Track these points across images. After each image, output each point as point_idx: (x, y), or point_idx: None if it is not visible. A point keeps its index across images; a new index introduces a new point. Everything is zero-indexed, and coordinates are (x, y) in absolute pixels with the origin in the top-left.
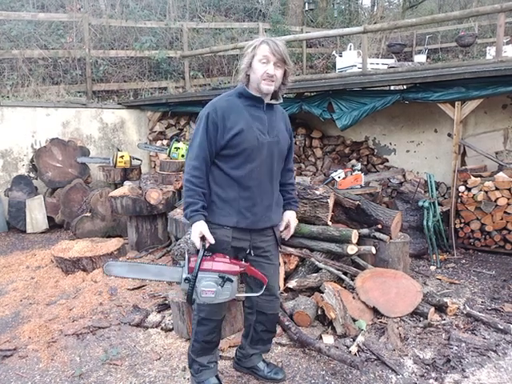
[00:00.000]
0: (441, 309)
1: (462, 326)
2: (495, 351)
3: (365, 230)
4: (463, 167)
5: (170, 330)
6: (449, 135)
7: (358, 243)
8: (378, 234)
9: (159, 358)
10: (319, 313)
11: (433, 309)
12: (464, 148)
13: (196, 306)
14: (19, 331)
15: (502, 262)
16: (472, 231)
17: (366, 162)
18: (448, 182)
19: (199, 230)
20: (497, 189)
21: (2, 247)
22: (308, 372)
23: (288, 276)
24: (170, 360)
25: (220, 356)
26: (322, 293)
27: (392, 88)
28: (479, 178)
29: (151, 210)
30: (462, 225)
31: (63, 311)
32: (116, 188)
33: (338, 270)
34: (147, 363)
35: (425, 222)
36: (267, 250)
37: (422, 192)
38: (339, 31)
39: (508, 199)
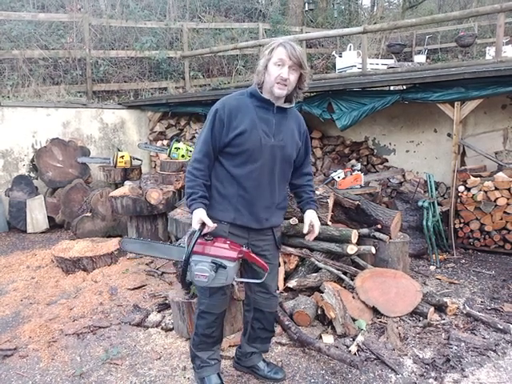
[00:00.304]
0: (440, 308)
1: (462, 326)
2: (495, 351)
3: (364, 230)
4: (463, 167)
5: (171, 329)
6: (448, 135)
7: (358, 243)
8: (377, 234)
9: (159, 358)
10: (319, 312)
11: (432, 308)
12: (463, 148)
13: (197, 299)
14: (20, 331)
15: (501, 261)
16: (471, 231)
17: (365, 162)
18: (447, 182)
19: (198, 216)
20: (496, 189)
21: (3, 247)
22: (308, 371)
23: (288, 276)
24: (171, 359)
25: (220, 355)
26: (322, 292)
27: (392, 88)
28: (479, 178)
29: (151, 209)
30: (461, 225)
31: (64, 311)
32: (116, 188)
33: (338, 269)
34: (147, 363)
35: (424, 222)
36: (265, 249)
37: (422, 192)
38: (339, 31)
39: (507, 199)
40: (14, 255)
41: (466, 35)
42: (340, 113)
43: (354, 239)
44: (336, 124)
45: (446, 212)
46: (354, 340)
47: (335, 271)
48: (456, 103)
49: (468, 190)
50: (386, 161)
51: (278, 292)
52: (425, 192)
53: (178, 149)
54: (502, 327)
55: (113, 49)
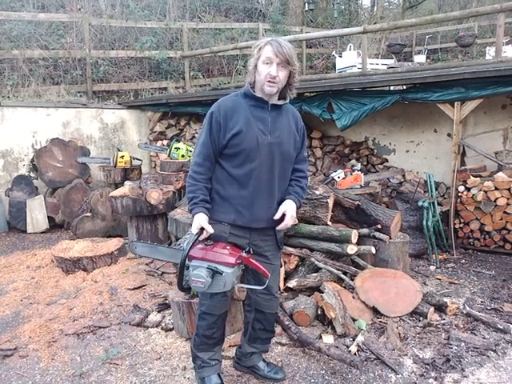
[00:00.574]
0: (440, 308)
1: (462, 326)
2: (495, 351)
3: (364, 230)
4: (463, 167)
5: (171, 329)
6: (448, 135)
7: (358, 243)
8: (377, 234)
9: (159, 358)
10: (319, 312)
11: (432, 308)
12: (463, 148)
13: (198, 300)
14: (20, 331)
15: (501, 261)
16: (471, 231)
17: (365, 162)
18: (447, 182)
19: (198, 221)
20: (496, 189)
21: (3, 247)
22: (308, 371)
23: (288, 276)
24: (171, 359)
25: (221, 356)
26: (322, 292)
27: (392, 88)
28: (479, 178)
29: (151, 209)
30: (461, 225)
31: (63, 311)
32: (116, 188)
33: (338, 269)
34: (147, 363)
35: (424, 222)
36: (267, 249)
37: (422, 192)
38: (339, 31)
39: (507, 199)
40: (14, 255)
41: (466, 35)
42: (340, 113)
43: (354, 239)
44: (336, 124)
45: (446, 212)
46: (353, 340)
47: (335, 271)
48: (456, 103)
49: (468, 189)
50: (386, 161)
51: (278, 293)
52: (425, 192)
53: (177, 149)
54: (502, 327)
55: (113, 49)
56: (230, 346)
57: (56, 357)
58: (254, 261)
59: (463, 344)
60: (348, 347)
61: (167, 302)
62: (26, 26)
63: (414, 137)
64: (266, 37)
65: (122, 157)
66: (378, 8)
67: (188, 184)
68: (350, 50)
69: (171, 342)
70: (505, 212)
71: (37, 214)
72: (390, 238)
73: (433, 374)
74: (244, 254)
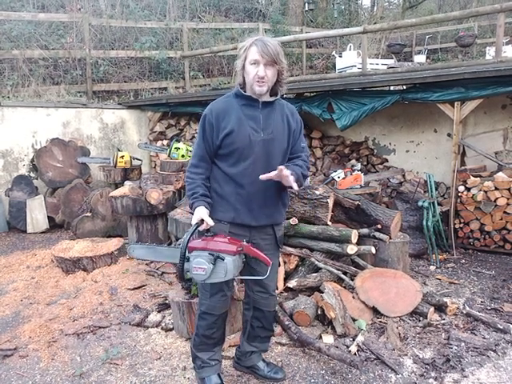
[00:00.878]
0: (440, 308)
1: (462, 326)
2: (495, 351)
3: (364, 230)
4: (463, 167)
5: (171, 329)
6: (448, 135)
7: (358, 243)
8: (377, 234)
9: (159, 358)
10: (319, 312)
11: (432, 308)
12: (463, 148)
13: (198, 300)
14: (20, 331)
15: (501, 261)
16: (471, 231)
17: (365, 162)
18: (447, 182)
19: (199, 214)
20: (496, 189)
21: (3, 247)
22: (308, 371)
23: (288, 276)
24: (171, 359)
25: (221, 356)
26: (322, 292)
27: (392, 88)
28: (479, 178)
29: (151, 209)
30: (461, 225)
31: (63, 311)
32: (116, 188)
33: (338, 269)
34: (147, 363)
35: (424, 222)
36: (266, 248)
37: (422, 192)
38: (339, 31)
39: (507, 199)
40: (14, 255)
41: (466, 35)
42: (340, 113)
43: (354, 239)
44: (336, 124)
45: (446, 212)
46: (353, 340)
47: (335, 271)
48: (456, 103)
49: (468, 189)
50: (386, 161)
51: (276, 292)
52: (425, 192)
53: (177, 149)
54: (502, 327)
55: (113, 49)
56: (229, 346)
57: (56, 357)
58: (254, 249)
59: (463, 344)
60: (348, 347)
61: (167, 302)
62: (25, 26)
63: (414, 137)
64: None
65: (122, 157)
66: (378, 8)
67: (187, 183)
68: (349, 49)
69: (171, 342)
70: (505, 212)
71: (37, 214)
72: (390, 238)
73: (433, 374)
74: (244, 243)
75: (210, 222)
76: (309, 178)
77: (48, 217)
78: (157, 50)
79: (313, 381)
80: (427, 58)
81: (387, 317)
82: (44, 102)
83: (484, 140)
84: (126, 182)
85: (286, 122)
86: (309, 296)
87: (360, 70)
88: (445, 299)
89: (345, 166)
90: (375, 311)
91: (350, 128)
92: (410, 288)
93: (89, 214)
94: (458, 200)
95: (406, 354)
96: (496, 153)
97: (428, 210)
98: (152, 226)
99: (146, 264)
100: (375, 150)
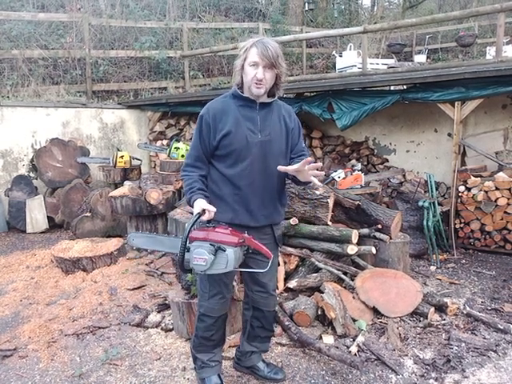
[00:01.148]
0: (441, 309)
1: (462, 326)
2: (495, 351)
3: (365, 230)
4: (463, 167)
5: (170, 330)
6: (449, 135)
7: (358, 243)
8: (378, 234)
9: (159, 358)
10: (319, 313)
11: (433, 309)
12: (464, 148)
13: (197, 301)
14: (19, 331)
15: (501, 262)
16: (472, 231)
17: (366, 162)
18: (448, 182)
19: (199, 205)
20: (497, 189)
21: (2, 247)
22: (308, 372)
23: (288, 276)
24: (170, 360)
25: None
26: (322, 293)
27: (392, 88)
28: (479, 178)
29: (151, 209)
30: (461, 225)
31: (63, 311)
32: (116, 188)
33: (338, 270)
34: (147, 363)
35: (425, 222)
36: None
37: (422, 192)
38: (339, 31)
39: (508, 199)
40: (14, 255)
41: (467, 35)
42: (340, 113)
43: (355, 239)
44: (336, 124)
45: (447, 212)
46: (354, 340)
47: (335, 271)
48: (456, 103)
49: (468, 189)
50: (387, 161)
51: (276, 291)
52: (425, 192)
53: (177, 149)
54: (502, 327)
55: (112, 49)
56: (229, 347)
57: (55, 357)
58: (256, 241)
59: (464, 344)
60: (348, 348)
61: (167, 302)
62: (25, 25)
63: (415, 137)
64: (266, 37)
65: (122, 157)
66: (378, 8)
67: (183, 180)
68: (350, 49)
69: (171, 343)
70: (505, 212)
71: (36, 214)
72: (391, 238)
73: (433, 375)
74: (246, 235)
75: (212, 209)
76: None
77: (47, 217)
78: (157, 50)
79: (313, 381)
80: (427, 57)
81: (387, 317)
82: (44, 101)
83: (484, 140)
84: (125, 182)
85: (284, 123)
86: (309, 296)
87: (360, 70)
88: (445, 299)
89: (345, 165)
90: (375, 311)
91: (350, 128)
92: (411, 288)
93: (88, 214)
94: (459, 200)
95: (407, 355)
96: (496, 153)
97: (428, 210)
98: (152, 226)
99: (146, 264)
100: (375, 150)
